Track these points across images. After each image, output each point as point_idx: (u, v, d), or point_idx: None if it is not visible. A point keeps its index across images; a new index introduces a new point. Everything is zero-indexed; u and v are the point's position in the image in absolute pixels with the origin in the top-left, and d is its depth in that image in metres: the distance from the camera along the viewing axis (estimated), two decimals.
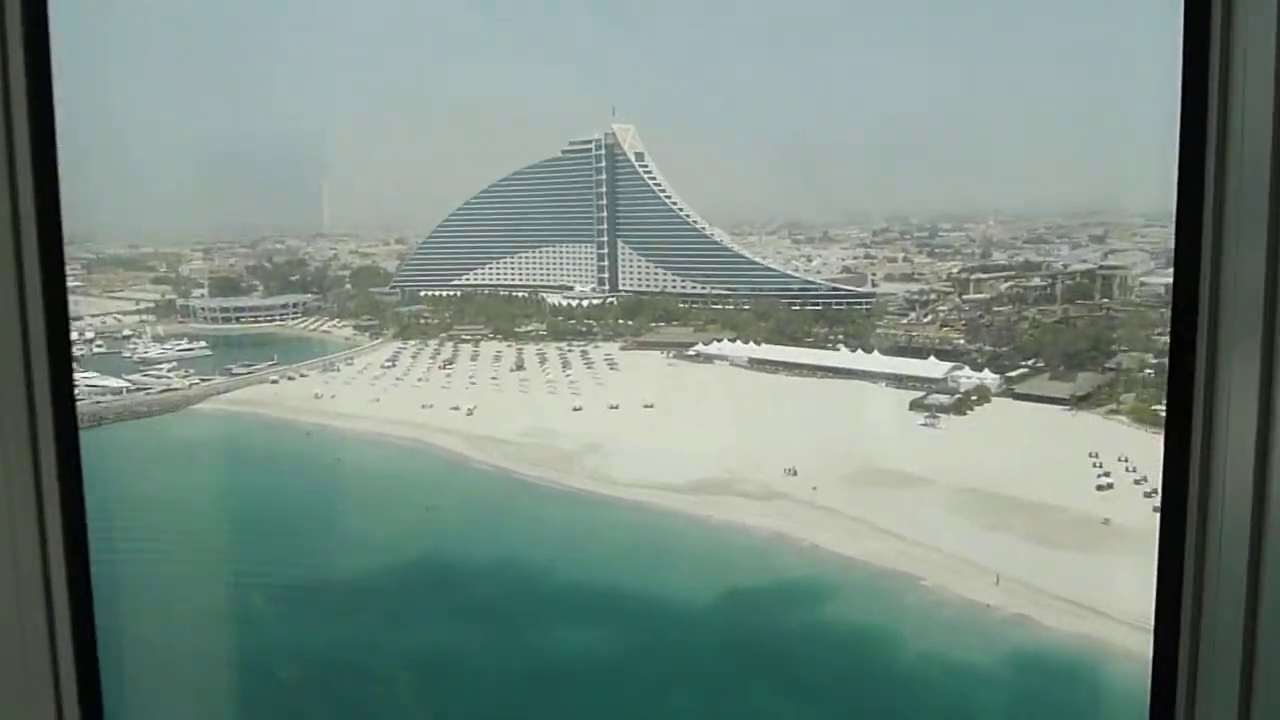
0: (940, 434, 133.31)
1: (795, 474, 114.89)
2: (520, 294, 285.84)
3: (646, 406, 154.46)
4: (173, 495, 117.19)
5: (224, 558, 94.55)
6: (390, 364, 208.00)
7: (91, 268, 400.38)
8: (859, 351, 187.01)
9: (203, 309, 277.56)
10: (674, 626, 78.44)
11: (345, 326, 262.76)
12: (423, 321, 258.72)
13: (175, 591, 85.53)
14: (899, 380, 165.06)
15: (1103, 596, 78.57)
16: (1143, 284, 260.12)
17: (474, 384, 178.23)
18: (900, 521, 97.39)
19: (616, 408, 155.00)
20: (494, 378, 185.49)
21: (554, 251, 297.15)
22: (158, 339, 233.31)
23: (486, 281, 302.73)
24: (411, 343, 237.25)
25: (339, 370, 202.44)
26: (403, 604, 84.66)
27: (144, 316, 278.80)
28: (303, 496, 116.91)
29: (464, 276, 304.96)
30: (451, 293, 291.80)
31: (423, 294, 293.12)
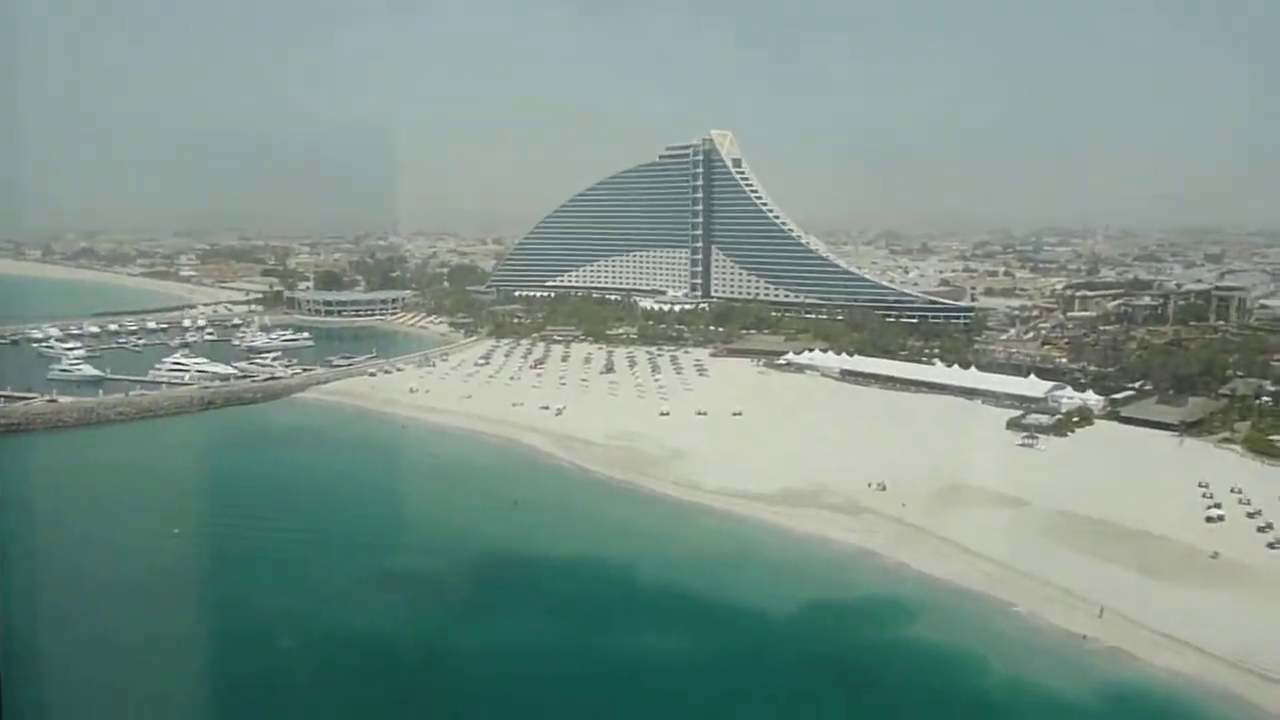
0: (1038, 455, 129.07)
1: (884, 489, 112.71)
2: (613, 297, 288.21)
3: (735, 414, 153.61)
4: (269, 480, 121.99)
5: (314, 541, 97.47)
6: (484, 361, 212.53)
7: (205, 258, 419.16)
8: (955, 367, 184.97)
9: (307, 301, 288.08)
10: (752, 635, 77.78)
11: (441, 323, 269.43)
12: (516, 321, 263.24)
13: (261, 577, 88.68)
14: (996, 398, 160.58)
15: (1206, 633, 74.94)
16: (1262, 306, 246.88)
17: (564, 384, 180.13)
18: (992, 543, 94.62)
19: (704, 414, 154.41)
20: (584, 379, 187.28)
21: (648, 256, 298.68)
22: (264, 329, 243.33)
23: (580, 283, 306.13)
24: (505, 341, 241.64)
25: (434, 365, 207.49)
26: (485, 596, 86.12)
27: (252, 307, 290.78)
28: (396, 487, 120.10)
29: (558, 278, 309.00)
30: (545, 293, 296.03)
31: (517, 294, 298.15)
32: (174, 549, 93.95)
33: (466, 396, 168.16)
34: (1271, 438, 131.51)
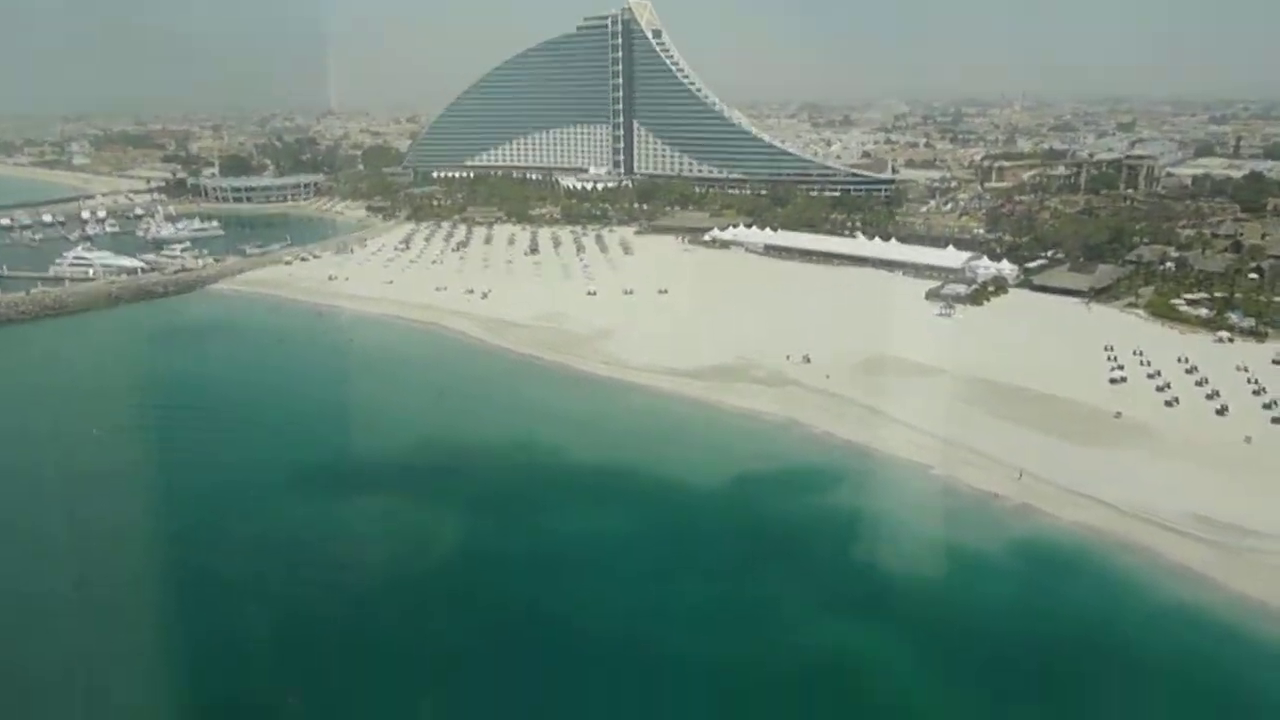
0: (955, 324, 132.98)
1: (809, 362, 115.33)
2: (534, 176, 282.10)
3: (661, 292, 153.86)
4: (189, 376, 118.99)
5: (239, 437, 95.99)
6: (404, 246, 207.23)
7: (99, 145, 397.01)
8: (876, 240, 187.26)
9: (213, 188, 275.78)
10: (682, 510, 79.97)
11: (357, 207, 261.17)
12: (435, 203, 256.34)
13: (188, 472, 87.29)
14: (916, 269, 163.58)
15: (1109, 489, 79.60)
16: (1169, 174, 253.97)
17: (488, 267, 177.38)
18: (911, 411, 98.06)
19: (630, 293, 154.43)
20: (508, 261, 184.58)
21: (568, 132, 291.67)
22: (170, 219, 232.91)
23: (499, 163, 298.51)
24: (424, 225, 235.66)
25: (352, 252, 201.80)
26: (417, 484, 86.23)
27: (155, 196, 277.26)
28: (321, 378, 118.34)
29: (476, 157, 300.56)
30: (464, 174, 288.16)
31: (435, 175, 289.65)
32: (95, 450, 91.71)
33: (388, 282, 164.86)
34: (1173, 302, 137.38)
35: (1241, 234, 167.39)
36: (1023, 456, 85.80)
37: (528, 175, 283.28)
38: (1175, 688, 56.93)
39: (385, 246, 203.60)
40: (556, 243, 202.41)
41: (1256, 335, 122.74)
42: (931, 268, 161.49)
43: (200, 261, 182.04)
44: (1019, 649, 60.73)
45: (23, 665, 58.93)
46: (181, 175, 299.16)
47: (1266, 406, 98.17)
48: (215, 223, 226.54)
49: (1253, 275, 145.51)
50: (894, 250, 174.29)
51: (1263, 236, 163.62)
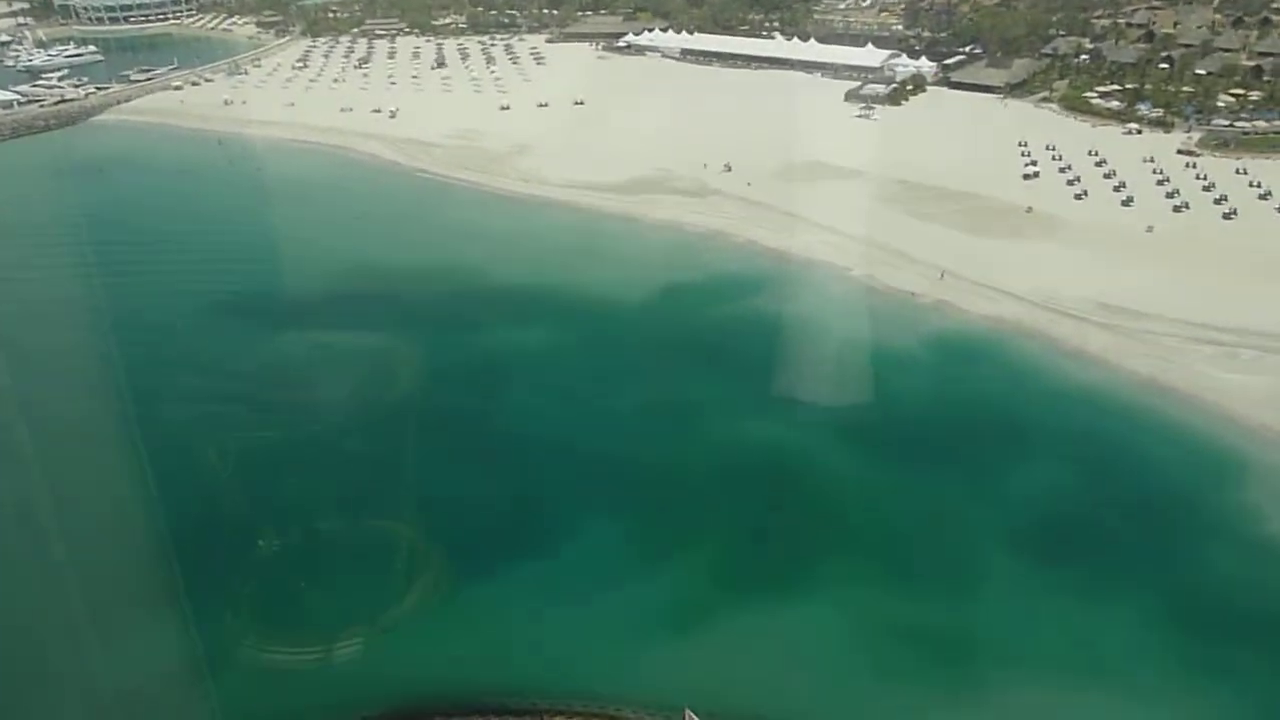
0: (874, 124, 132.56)
1: (729, 170, 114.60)
2: None
3: (576, 103, 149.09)
4: (89, 216, 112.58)
5: (153, 271, 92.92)
6: (302, 64, 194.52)
7: None
8: (795, 40, 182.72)
9: (85, 8, 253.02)
10: (609, 322, 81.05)
11: (247, 24, 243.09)
12: (331, 16, 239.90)
13: (112, 307, 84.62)
14: (835, 70, 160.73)
15: (1018, 281, 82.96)
16: None
17: (394, 84, 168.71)
18: (831, 214, 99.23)
19: (545, 105, 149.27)
20: (415, 77, 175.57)
21: None
22: (41, 44, 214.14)
23: None
24: (321, 40, 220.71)
25: (247, 73, 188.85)
26: (340, 312, 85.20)
27: (19, 19, 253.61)
28: (230, 210, 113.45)
29: None
30: None
31: None
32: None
33: (289, 105, 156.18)
34: (1086, 95, 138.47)
35: (1154, 23, 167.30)
36: (938, 254, 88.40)
37: None
38: (1066, 455, 62.05)
39: (281, 66, 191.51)
40: (464, 55, 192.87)
41: (1164, 126, 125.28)
42: (850, 68, 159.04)
43: (82, 91, 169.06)
44: (928, 430, 65.18)
45: None
46: None
47: (1169, 196, 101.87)
48: (92, 47, 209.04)
49: (1163, 65, 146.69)
50: (813, 51, 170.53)
51: (1175, 25, 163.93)
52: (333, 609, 50.97)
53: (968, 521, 56.58)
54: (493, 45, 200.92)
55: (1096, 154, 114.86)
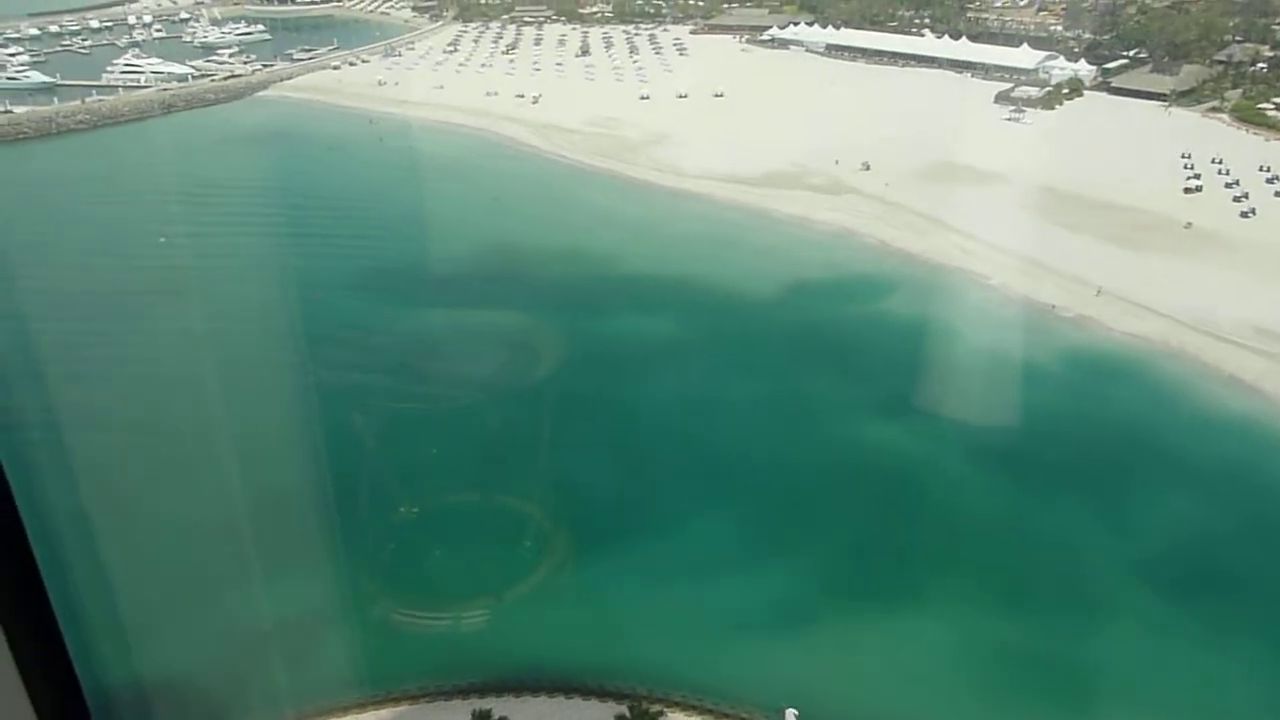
0: (1024, 129, 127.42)
1: (868, 168, 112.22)
2: None
3: (716, 95, 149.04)
4: (247, 184, 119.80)
5: (303, 242, 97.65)
6: (452, 48, 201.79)
7: None
8: (946, 38, 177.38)
9: None
10: (735, 316, 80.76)
11: (403, 7, 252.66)
12: (483, 1, 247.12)
13: (252, 280, 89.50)
14: (986, 70, 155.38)
15: (1169, 299, 78.31)
16: None
17: (538, 70, 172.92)
18: (971, 220, 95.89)
19: (685, 96, 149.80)
20: (559, 63, 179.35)
21: None
22: (215, 22, 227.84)
23: None
24: (473, 25, 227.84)
25: (400, 55, 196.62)
26: (476, 287, 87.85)
27: None
28: (376, 185, 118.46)
29: None
30: None
31: None
32: (165, 254, 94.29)
33: (438, 87, 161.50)
34: (1261, 106, 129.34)
35: None
36: (1083, 266, 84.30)
37: None
38: (1209, 487, 58.23)
39: (433, 49, 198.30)
40: (608, 43, 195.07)
41: None
42: (1003, 68, 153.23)
43: (249, 67, 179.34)
44: (1061, 449, 62.27)
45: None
46: None
47: None
48: (261, 26, 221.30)
49: None
50: (963, 50, 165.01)
51: None
52: (453, 577, 52.47)
53: (1097, 549, 53.85)
54: (637, 35, 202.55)
55: (1268, 169, 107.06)
